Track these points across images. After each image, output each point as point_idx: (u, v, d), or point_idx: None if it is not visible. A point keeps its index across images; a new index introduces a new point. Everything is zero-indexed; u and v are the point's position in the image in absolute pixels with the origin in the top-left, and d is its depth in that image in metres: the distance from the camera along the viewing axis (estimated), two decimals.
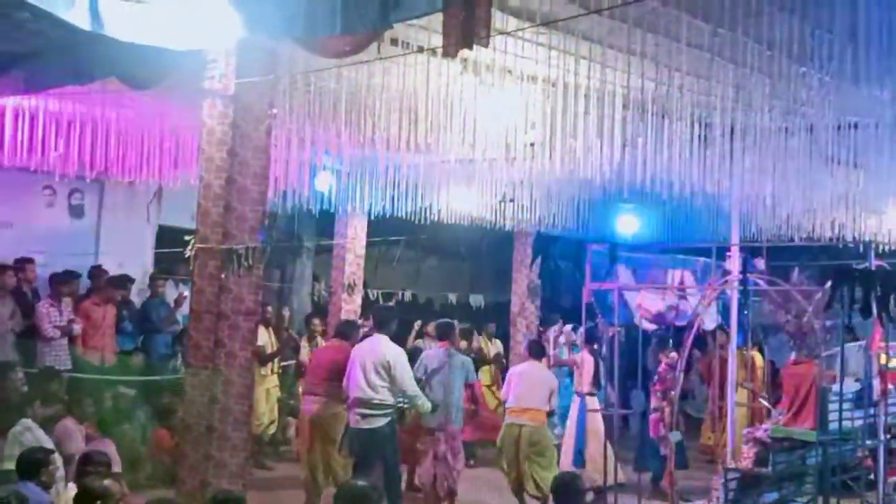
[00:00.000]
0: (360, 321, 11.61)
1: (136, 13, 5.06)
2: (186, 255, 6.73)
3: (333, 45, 5.62)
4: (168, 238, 12.75)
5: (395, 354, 8.24)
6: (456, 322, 10.36)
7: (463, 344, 10.99)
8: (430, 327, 11.91)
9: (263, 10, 5.42)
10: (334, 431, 8.44)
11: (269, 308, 11.75)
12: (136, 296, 12.39)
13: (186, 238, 6.73)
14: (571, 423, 10.62)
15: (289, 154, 9.37)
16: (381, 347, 8.23)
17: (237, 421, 6.58)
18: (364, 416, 8.10)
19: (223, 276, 6.45)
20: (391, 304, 15.43)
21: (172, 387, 9.76)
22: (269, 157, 6.70)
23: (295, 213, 12.47)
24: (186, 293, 11.35)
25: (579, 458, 10.38)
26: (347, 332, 9.04)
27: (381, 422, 8.11)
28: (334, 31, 5.28)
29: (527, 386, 9.38)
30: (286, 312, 13.12)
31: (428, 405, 8.43)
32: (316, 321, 12.52)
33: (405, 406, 8.40)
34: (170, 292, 12.63)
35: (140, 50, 5.42)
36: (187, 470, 6.64)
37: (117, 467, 7.42)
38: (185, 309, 10.98)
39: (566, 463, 10.18)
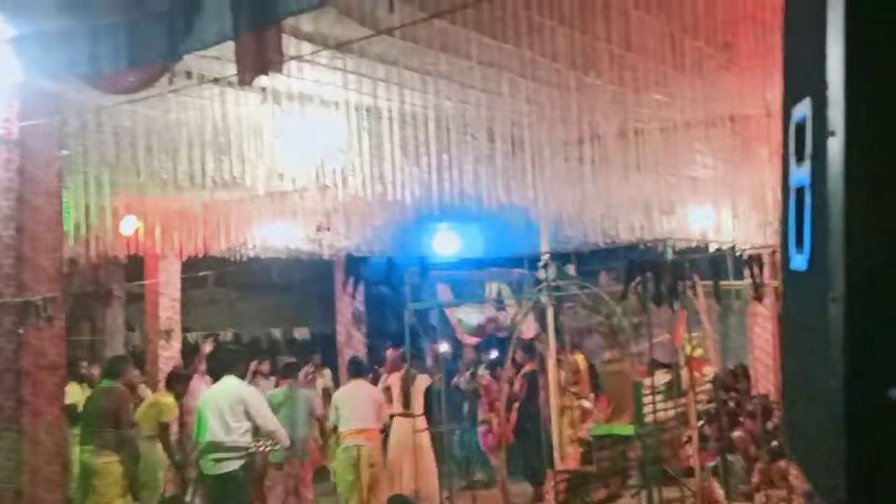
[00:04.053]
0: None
1: None
2: None
3: (120, 80, 5.44)
4: None
5: (250, 393, 8.10)
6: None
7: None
8: (264, 366, 12.04)
9: (44, 50, 5.21)
10: (105, 483, 7.85)
11: (84, 363, 11.14)
12: None
13: None
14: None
15: (87, 198, 8.92)
16: (234, 388, 7.94)
17: (49, 482, 6.26)
18: (217, 461, 7.74)
19: (21, 330, 6.11)
20: (212, 343, 14.94)
21: None
22: (61, 201, 6.42)
23: (99, 259, 11.87)
24: None
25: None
26: (116, 369, 8.50)
27: (235, 465, 7.76)
28: (119, 65, 5.13)
29: (355, 406, 9.21)
30: (95, 370, 12.41)
31: (287, 440, 8.28)
32: (136, 372, 11.93)
33: (267, 449, 8.12)
34: None
35: None
36: None
37: None
38: None
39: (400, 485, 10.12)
